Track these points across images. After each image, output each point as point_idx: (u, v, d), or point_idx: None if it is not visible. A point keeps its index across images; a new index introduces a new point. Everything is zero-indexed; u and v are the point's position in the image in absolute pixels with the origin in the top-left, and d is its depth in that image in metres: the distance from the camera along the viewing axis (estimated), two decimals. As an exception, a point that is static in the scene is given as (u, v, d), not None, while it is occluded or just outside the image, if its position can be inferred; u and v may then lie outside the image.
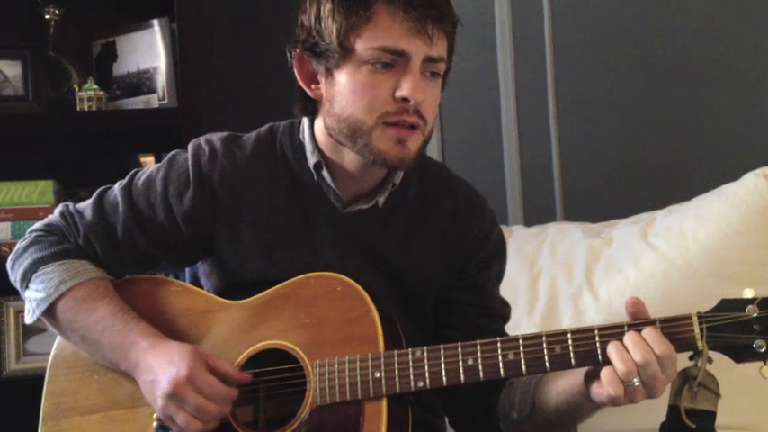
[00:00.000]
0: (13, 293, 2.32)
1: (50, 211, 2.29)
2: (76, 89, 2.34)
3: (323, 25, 1.34)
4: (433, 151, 2.50)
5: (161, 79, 2.38)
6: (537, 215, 2.42)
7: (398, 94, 1.31)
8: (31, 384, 2.24)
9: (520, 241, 2.15)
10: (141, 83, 2.40)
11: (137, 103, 2.40)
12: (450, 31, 1.36)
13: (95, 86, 2.32)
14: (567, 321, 1.92)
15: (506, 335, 1.49)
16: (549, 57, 2.45)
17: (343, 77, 1.34)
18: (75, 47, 2.43)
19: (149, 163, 2.35)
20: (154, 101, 2.39)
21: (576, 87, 2.45)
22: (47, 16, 2.35)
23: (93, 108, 2.31)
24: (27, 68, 2.39)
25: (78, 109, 2.32)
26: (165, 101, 2.37)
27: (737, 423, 1.79)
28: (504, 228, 2.25)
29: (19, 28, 2.42)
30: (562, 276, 1.99)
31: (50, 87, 2.39)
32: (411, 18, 1.30)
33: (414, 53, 1.31)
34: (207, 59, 2.42)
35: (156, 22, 2.39)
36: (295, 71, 1.41)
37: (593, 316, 1.89)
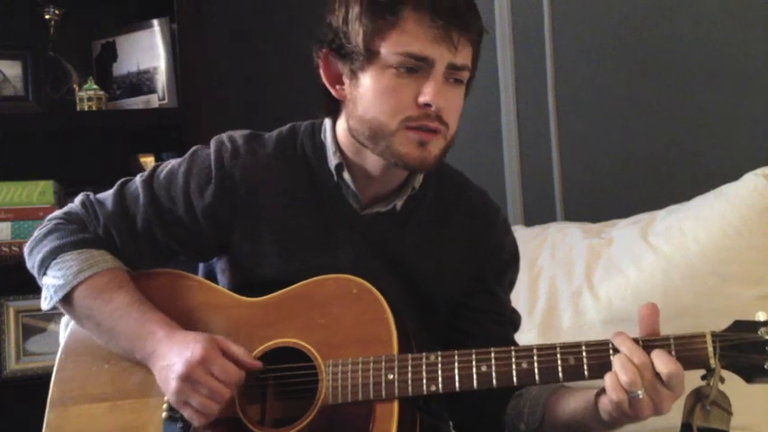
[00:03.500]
0: (14, 293, 2.35)
1: (50, 210, 2.29)
2: (76, 89, 2.34)
3: (350, 27, 1.35)
4: (433, 151, 2.50)
5: (161, 79, 2.38)
6: (537, 215, 2.42)
7: (421, 99, 1.32)
8: (31, 384, 2.26)
9: (520, 241, 2.14)
10: (141, 83, 2.41)
11: (137, 103, 2.40)
12: (475, 39, 1.37)
13: (95, 86, 2.32)
14: (566, 321, 1.92)
15: (516, 342, 1.50)
16: (549, 57, 2.45)
17: (367, 80, 1.35)
18: (75, 47, 2.43)
19: (149, 163, 2.35)
20: (154, 101, 2.39)
21: (576, 87, 2.45)
22: (47, 16, 2.35)
23: (93, 108, 2.31)
24: (27, 68, 2.39)
25: (78, 109, 2.32)
26: (165, 101, 2.37)
27: (738, 423, 1.78)
28: (504, 228, 2.26)
29: (19, 28, 2.42)
30: (562, 276, 1.99)
31: (50, 87, 2.39)
32: (437, 25, 1.30)
33: (438, 59, 1.32)
34: (207, 59, 2.42)
35: (156, 22, 2.39)
36: (320, 71, 1.42)
37: (594, 316, 1.89)
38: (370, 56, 1.33)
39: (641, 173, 2.39)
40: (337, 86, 1.40)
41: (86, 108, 2.31)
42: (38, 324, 2.35)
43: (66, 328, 1.78)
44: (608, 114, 2.43)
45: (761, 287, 1.81)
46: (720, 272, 1.82)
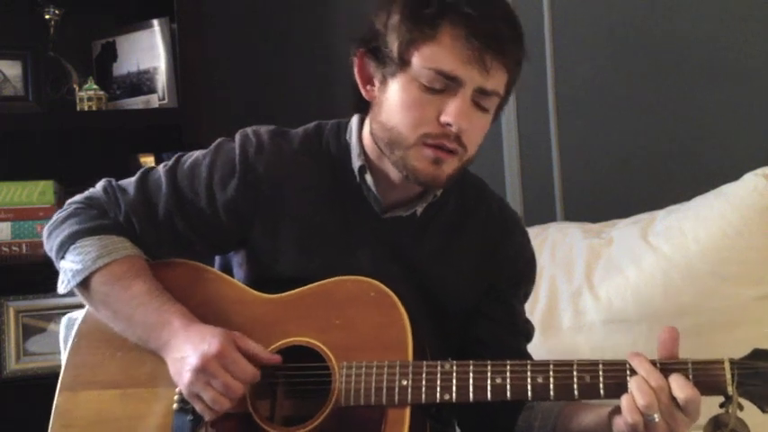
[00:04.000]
0: (14, 293, 2.35)
1: (51, 210, 2.30)
2: (76, 89, 2.34)
3: (388, 33, 1.34)
4: (433, 151, 2.50)
5: (161, 79, 2.38)
6: (537, 215, 2.42)
7: (442, 118, 1.31)
8: (31, 384, 2.26)
9: (520, 241, 2.15)
10: (141, 83, 2.41)
11: (137, 103, 2.41)
12: (512, 67, 1.35)
13: (95, 86, 2.32)
14: (566, 321, 1.92)
15: (528, 353, 1.50)
16: (549, 57, 2.45)
17: (395, 88, 1.34)
18: (75, 47, 2.43)
19: (149, 163, 2.35)
20: (154, 101, 2.39)
21: (576, 87, 2.45)
22: (47, 16, 2.35)
23: (93, 108, 2.31)
24: (27, 68, 2.39)
25: (78, 109, 2.32)
26: (165, 101, 2.37)
27: (737, 423, 1.79)
28: (504, 228, 2.26)
29: (19, 28, 2.42)
30: (562, 276, 1.99)
31: (50, 87, 2.40)
32: (472, 46, 1.28)
33: (467, 81, 1.30)
34: (207, 59, 2.42)
35: (156, 22, 2.39)
36: (355, 69, 1.40)
37: (594, 316, 1.89)
38: (403, 64, 1.32)
39: (641, 173, 2.39)
40: (368, 87, 1.39)
41: (86, 108, 2.31)
42: (38, 324, 2.35)
43: (66, 328, 1.78)
44: (608, 114, 2.43)
45: (761, 287, 1.81)
46: (720, 272, 1.82)
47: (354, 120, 1.47)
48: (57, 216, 1.47)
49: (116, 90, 2.42)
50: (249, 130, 1.48)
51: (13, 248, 2.29)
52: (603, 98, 2.43)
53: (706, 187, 1.97)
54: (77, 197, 1.49)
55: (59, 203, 2.28)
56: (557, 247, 2.06)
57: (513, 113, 2.50)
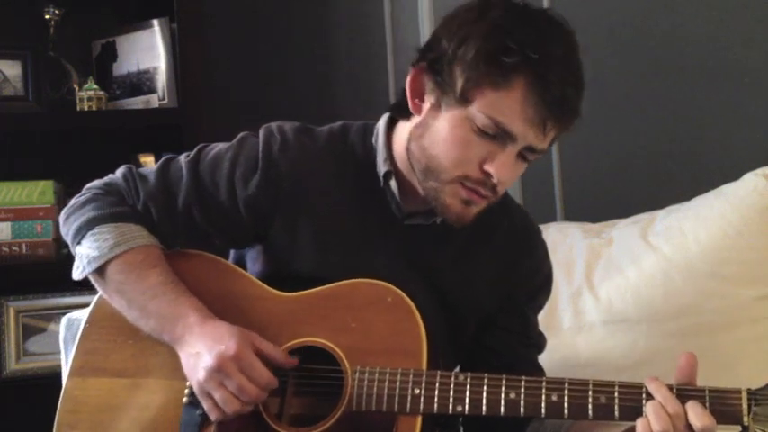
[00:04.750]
0: (14, 293, 2.35)
1: (51, 210, 2.31)
2: (76, 89, 2.34)
3: (456, 63, 1.28)
4: (433, 151, 2.50)
5: (161, 79, 2.38)
6: (537, 215, 2.40)
7: (486, 167, 1.29)
8: (31, 384, 2.26)
9: (520, 241, 2.15)
10: (141, 83, 2.41)
11: (137, 103, 2.41)
12: (563, 131, 1.33)
13: (95, 86, 2.33)
14: (567, 321, 1.92)
15: (540, 367, 1.50)
16: (549, 57, 2.45)
17: (447, 119, 1.30)
18: (75, 47, 2.43)
19: (149, 163, 2.35)
20: (154, 101, 2.39)
21: (576, 87, 2.45)
22: (47, 16, 2.35)
23: (93, 108, 2.31)
24: (27, 68, 2.39)
25: (78, 109, 2.32)
26: (165, 101, 2.37)
27: (737, 423, 1.79)
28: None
29: (19, 28, 2.42)
30: (562, 276, 1.99)
31: (50, 87, 2.40)
32: (539, 109, 1.25)
33: (521, 138, 1.28)
34: (207, 59, 2.42)
35: (156, 22, 2.39)
36: (408, 77, 1.36)
37: (594, 316, 1.89)
38: (462, 100, 1.28)
39: (641, 173, 2.39)
40: (416, 100, 1.36)
41: (86, 108, 2.31)
42: (38, 324, 2.35)
43: (66, 328, 1.78)
44: (608, 114, 2.43)
45: (761, 287, 1.81)
46: (720, 272, 1.82)
47: (382, 123, 1.44)
48: (75, 200, 1.46)
49: (116, 90, 2.42)
50: (274, 125, 1.46)
51: (13, 248, 2.29)
52: (603, 98, 2.43)
53: (706, 187, 1.97)
54: (96, 182, 1.48)
55: (59, 203, 2.28)
56: (557, 247, 2.06)
57: (513, 113, 2.50)
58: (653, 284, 1.85)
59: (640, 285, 1.86)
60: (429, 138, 1.33)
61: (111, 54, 2.44)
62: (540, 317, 1.86)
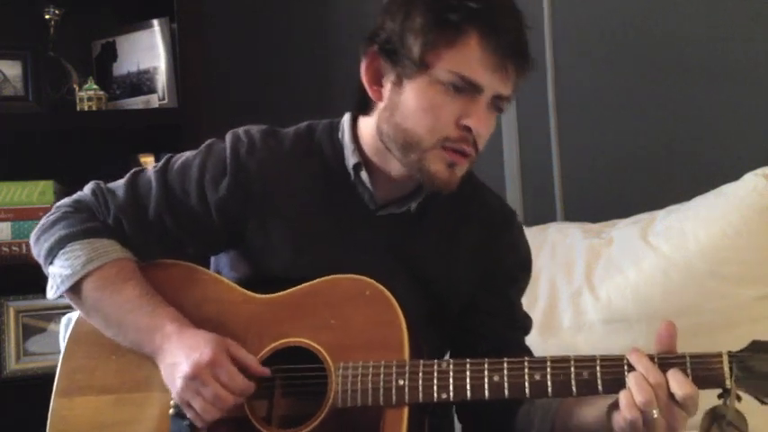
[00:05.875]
0: (14, 293, 2.35)
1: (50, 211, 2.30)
2: (76, 89, 2.34)
3: (407, 34, 1.33)
4: (433, 151, 2.50)
5: (161, 79, 2.38)
6: (537, 215, 2.42)
7: (464, 122, 1.32)
8: (31, 384, 2.26)
9: (520, 241, 2.15)
10: (141, 83, 2.40)
11: (137, 103, 2.40)
12: (525, 75, 1.36)
13: (95, 86, 2.32)
14: (566, 321, 1.92)
15: (527, 348, 1.50)
16: (549, 57, 2.45)
17: (412, 90, 1.33)
18: (75, 47, 2.43)
19: (149, 163, 2.35)
20: (154, 101, 2.39)
21: (576, 87, 2.45)
22: (47, 16, 2.35)
23: (93, 108, 2.31)
24: (27, 68, 2.39)
25: (78, 109, 2.32)
26: (165, 101, 2.37)
27: (737, 423, 1.79)
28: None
29: (19, 28, 2.42)
30: (562, 276, 1.99)
31: (50, 87, 2.39)
32: (497, 54, 1.30)
33: (488, 88, 1.31)
34: (207, 59, 2.42)
35: (156, 22, 2.39)
36: (362, 66, 1.40)
37: (593, 316, 1.90)
38: (422, 67, 1.31)
39: (641, 173, 2.39)
40: (375, 87, 1.39)
41: (86, 108, 2.31)
42: (38, 324, 2.35)
43: (66, 328, 1.78)
44: (608, 114, 2.43)
45: (760, 287, 1.81)
46: (720, 272, 1.82)
47: (346, 118, 1.47)
48: (44, 220, 1.46)
49: (116, 90, 2.42)
50: (240, 130, 1.48)
51: (13, 248, 2.29)
52: (603, 98, 2.43)
53: (706, 187, 1.97)
54: (65, 200, 1.48)
55: (59, 203, 2.28)
56: (557, 247, 2.06)
57: (513, 113, 2.50)
58: (653, 284, 1.85)
59: (640, 285, 1.86)
60: (400, 114, 1.35)
61: (111, 54, 2.44)
62: (541, 317, 1.87)
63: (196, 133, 2.20)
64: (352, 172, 1.43)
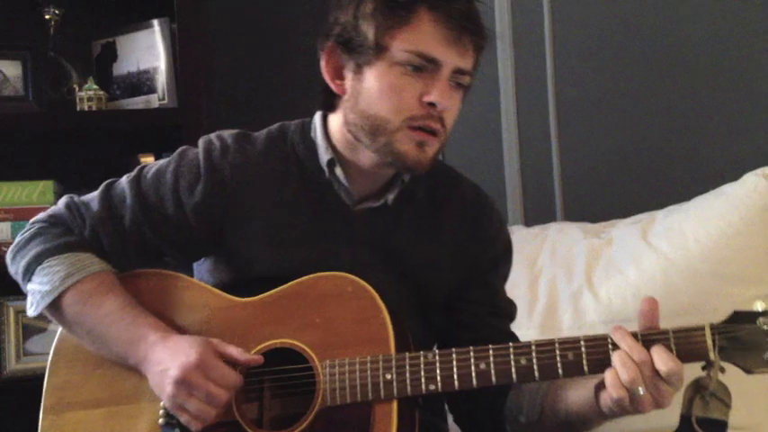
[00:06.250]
0: (14, 293, 2.34)
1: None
2: (76, 89, 2.34)
3: (360, 21, 1.35)
4: (433, 151, 2.50)
5: (161, 79, 2.38)
6: (537, 215, 2.42)
7: (426, 99, 1.33)
8: (31, 384, 2.24)
9: (520, 241, 2.15)
10: (141, 83, 2.40)
11: (137, 103, 2.40)
12: (482, 46, 1.38)
13: (95, 86, 2.32)
14: (567, 321, 1.92)
15: (513, 334, 1.50)
16: (549, 57, 2.45)
17: (372, 75, 1.35)
18: (75, 47, 2.43)
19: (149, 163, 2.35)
20: (154, 101, 2.39)
21: (576, 87, 2.45)
22: (47, 16, 2.35)
23: (93, 108, 2.31)
24: (27, 68, 2.39)
25: (78, 109, 2.32)
26: (165, 101, 2.37)
27: (738, 423, 1.78)
28: (503, 228, 2.26)
29: (19, 28, 2.42)
30: (562, 276, 1.99)
31: (50, 87, 2.39)
32: (450, 27, 1.32)
33: (446, 62, 1.33)
34: (207, 59, 2.42)
35: (156, 22, 2.39)
36: (322, 64, 1.42)
37: (594, 316, 1.89)
38: (379, 51, 1.34)
39: (641, 173, 2.39)
40: (337, 81, 1.41)
41: (86, 108, 2.31)
42: (38, 324, 2.35)
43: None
44: (608, 114, 2.43)
45: (761, 287, 1.81)
46: (720, 272, 1.82)
47: (317, 117, 1.48)
48: (19, 238, 1.45)
49: (116, 90, 2.42)
50: (212, 135, 1.49)
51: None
52: (603, 98, 2.43)
53: (706, 187, 1.97)
54: (40, 215, 1.47)
55: (59, 203, 2.28)
56: (557, 247, 2.07)
57: (513, 113, 2.50)
58: (653, 284, 1.85)
59: (640, 285, 1.86)
60: (363, 100, 1.36)
61: (111, 54, 2.44)
62: (541, 317, 1.87)
63: (196, 133, 2.20)
64: (326, 169, 1.44)
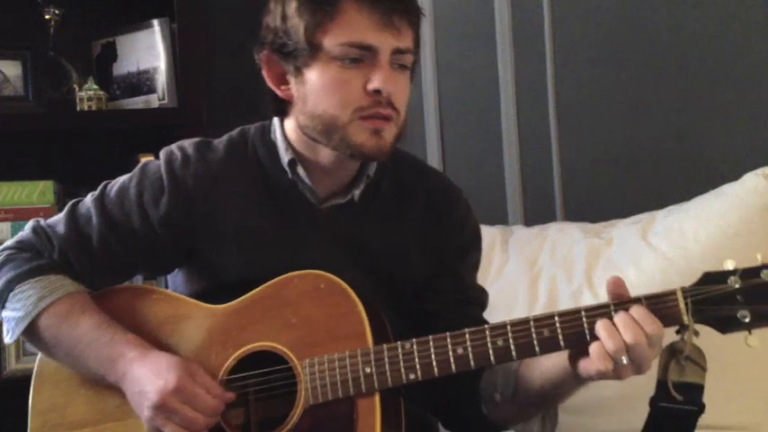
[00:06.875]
0: (13, 293, 2.34)
1: (51, 211, 2.30)
2: (76, 89, 2.34)
3: (289, 24, 1.36)
4: (434, 152, 2.50)
5: (161, 79, 2.38)
6: (537, 215, 2.42)
7: (370, 86, 1.33)
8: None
9: (520, 241, 2.15)
10: (141, 83, 2.40)
11: (137, 103, 2.40)
12: (416, 22, 1.38)
13: (95, 86, 2.32)
14: (567, 321, 1.92)
15: (486, 321, 1.49)
16: (549, 57, 2.45)
17: (313, 75, 1.35)
18: (75, 47, 2.43)
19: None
20: (154, 101, 2.39)
21: (576, 87, 2.45)
22: (47, 16, 2.35)
23: (93, 108, 2.31)
24: (27, 68, 2.39)
25: (78, 109, 2.32)
26: (165, 101, 2.37)
27: (738, 423, 1.79)
28: (503, 228, 2.26)
29: (19, 28, 2.41)
30: (562, 276, 1.99)
31: (50, 87, 2.39)
32: (377, 11, 1.31)
33: (382, 46, 1.33)
34: (207, 59, 2.42)
35: (156, 22, 2.39)
36: (264, 73, 1.43)
37: (594, 316, 1.89)
38: (314, 50, 1.34)
39: (641, 173, 2.39)
40: (282, 87, 1.41)
41: (86, 108, 2.31)
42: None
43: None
44: (608, 114, 2.43)
45: (761, 287, 1.81)
46: (720, 272, 1.82)
47: (276, 119, 1.48)
48: None
49: (116, 90, 2.42)
50: (173, 146, 1.50)
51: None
52: (603, 98, 2.43)
53: (706, 187, 1.97)
54: (8, 242, 1.47)
55: (59, 203, 2.28)
56: (557, 247, 2.07)
57: (513, 113, 2.50)
58: (653, 284, 1.85)
59: (640, 285, 1.85)
60: (310, 101, 1.36)
61: (111, 54, 2.44)
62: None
63: (196, 133, 2.19)
64: (288, 169, 1.44)
